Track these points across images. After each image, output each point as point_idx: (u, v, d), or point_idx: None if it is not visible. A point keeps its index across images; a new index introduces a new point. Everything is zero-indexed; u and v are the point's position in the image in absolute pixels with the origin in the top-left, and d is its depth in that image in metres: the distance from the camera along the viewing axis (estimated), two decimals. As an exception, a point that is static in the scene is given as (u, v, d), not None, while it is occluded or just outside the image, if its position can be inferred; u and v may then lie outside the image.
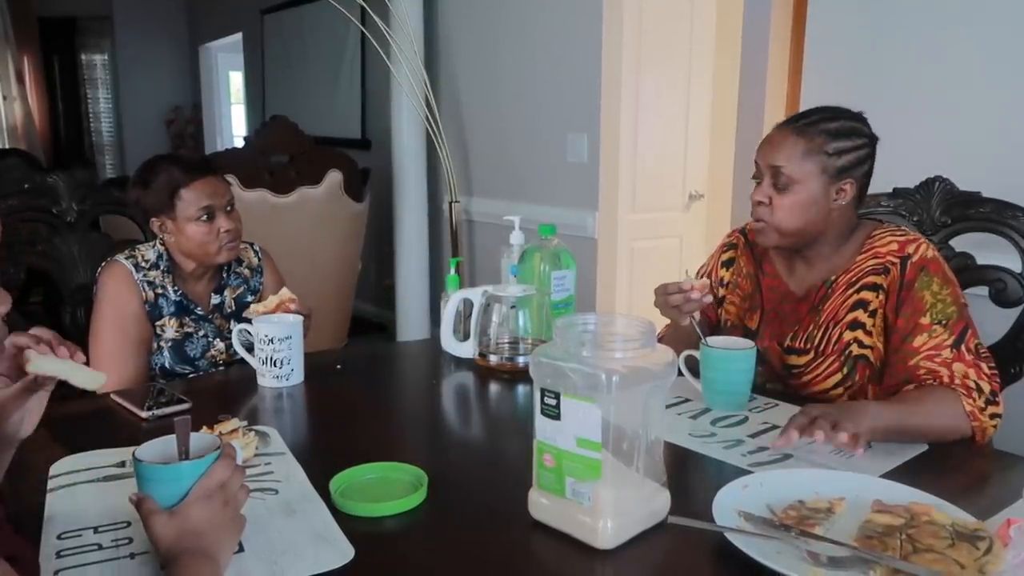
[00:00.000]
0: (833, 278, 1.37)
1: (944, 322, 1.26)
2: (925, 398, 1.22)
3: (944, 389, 1.22)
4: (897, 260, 1.31)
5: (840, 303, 1.35)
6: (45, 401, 0.93)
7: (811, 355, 1.36)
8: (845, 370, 1.34)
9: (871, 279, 1.33)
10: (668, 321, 1.58)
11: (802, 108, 2.42)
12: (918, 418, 1.18)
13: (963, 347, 1.24)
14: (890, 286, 1.31)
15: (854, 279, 1.35)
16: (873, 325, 1.32)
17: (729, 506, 0.91)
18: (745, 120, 3.72)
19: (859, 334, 1.32)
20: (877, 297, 1.32)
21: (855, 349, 1.33)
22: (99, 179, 6.28)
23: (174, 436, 0.85)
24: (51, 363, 0.90)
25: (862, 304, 1.33)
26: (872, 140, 1.34)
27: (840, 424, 1.08)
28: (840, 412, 1.12)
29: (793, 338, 1.39)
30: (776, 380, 1.43)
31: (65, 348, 0.92)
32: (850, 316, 1.34)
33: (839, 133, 1.31)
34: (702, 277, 1.59)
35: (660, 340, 1.57)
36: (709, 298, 1.40)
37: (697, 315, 1.40)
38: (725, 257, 1.56)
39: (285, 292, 1.57)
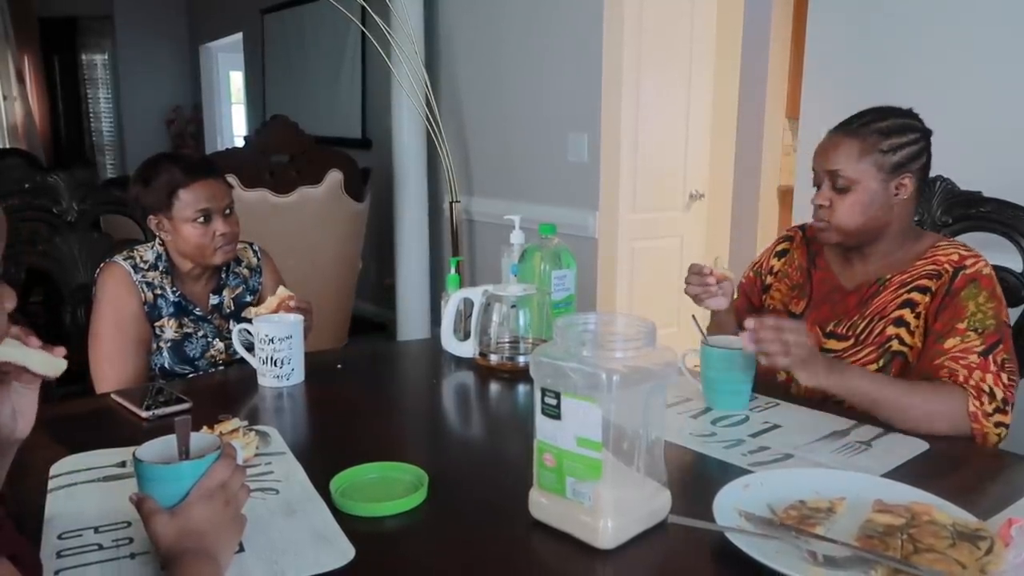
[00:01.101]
0: (888, 276, 1.38)
1: (980, 330, 1.26)
2: (923, 382, 1.25)
3: (952, 385, 1.23)
4: (951, 268, 1.32)
5: (890, 300, 1.36)
6: (35, 400, 0.88)
7: (851, 342, 1.37)
8: (881, 362, 1.34)
9: (923, 282, 1.34)
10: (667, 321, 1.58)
11: (803, 107, 2.45)
12: (897, 391, 1.21)
13: (991, 357, 1.24)
14: (937, 290, 1.32)
15: (908, 280, 1.36)
16: (917, 326, 1.34)
17: (730, 506, 0.91)
18: (745, 120, 3.72)
19: (902, 332, 1.33)
20: (925, 298, 1.33)
21: (895, 345, 1.34)
22: (99, 179, 6.29)
23: (174, 436, 0.85)
24: (3, 348, 0.82)
25: (910, 304, 1.34)
26: (925, 134, 1.37)
27: (788, 350, 1.18)
28: (800, 346, 1.19)
29: (837, 324, 1.40)
30: None
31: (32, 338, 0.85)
32: (897, 313, 1.35)
33: (891, 130, 1.33)
34: (753, 268, 1.62)
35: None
36: (725, 290, 1.44)
37: (725, 302, 1.45)
38: (779, 248, 1.60)
39: (283, 290, 1.57)
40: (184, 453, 0.84)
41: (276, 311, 1.53)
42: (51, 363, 0.85)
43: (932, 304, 1.32)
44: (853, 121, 1.37)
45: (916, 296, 1.34)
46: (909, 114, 1.38)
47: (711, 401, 1.32)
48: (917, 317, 1.34)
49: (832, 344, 1.39)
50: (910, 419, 1.20)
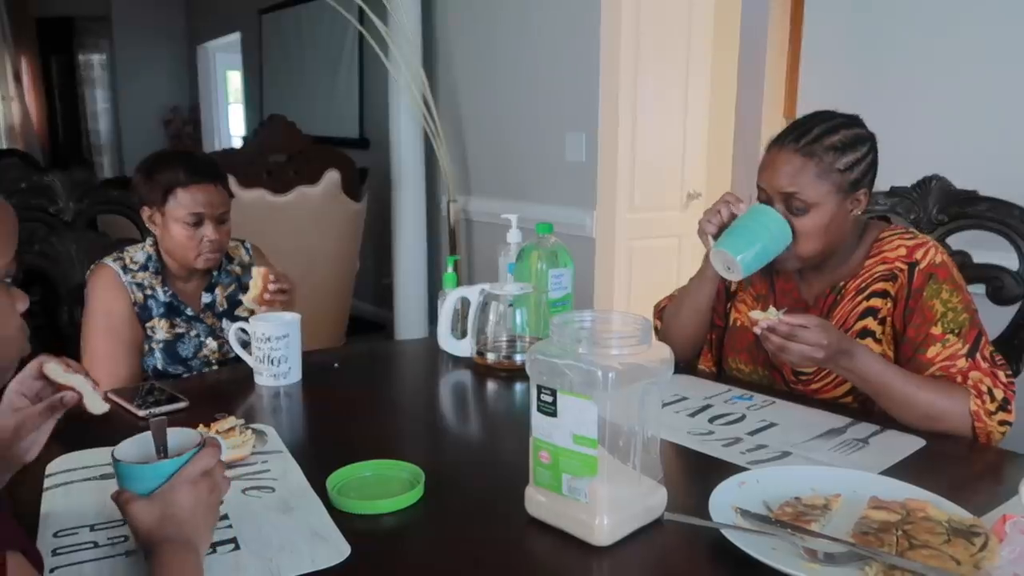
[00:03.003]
0: (842, 284, 1.35)
1: (957, 331, 1.24)
2: (930, 378, 1.23)
3: (957, 385, 1.22)
4: (905, 266, 1.29)
5: (850, 310, 1.33)
6: (50, 430, 0.96)
7: None
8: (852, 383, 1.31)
9: (880, 285, 1.31)
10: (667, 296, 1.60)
11: (800, 107, 2.45)
12: (904, 381, 1.20)
13: (978, 355, 1.23)
14: (898, 293, 1.29)
15: (863, 285, 1.33)
16: (883, 333, 1.31)
17: (725, 503, 0.91)
18: (743, 119, 3.72)
19: (869, 342, 1.30)
20: (886, 304, 1.31)
21: None
22: (97, 179, 6.28)
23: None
24: (67, 375, 0.99)
25: (872, 312, 1.32)
26: (873, 141, 1.31)
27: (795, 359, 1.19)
28: (807, 359, 1.19)
29: None
30: (783, 385, 1.41)
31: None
32: (860, 324, 1.32)
33: (845, 146, 1.26)
34: None
35: (664, 307, 1.59)
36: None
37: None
38: None
39: (257, 269, 1.58)
40: (162, 453, 0.83)
41: (264, 290, 1.54)
42: (100, 404, 1.00)
43: (896, 310, 1.30)
44: (800, 136, 1.27)
45: (876, 302, 1.31)
46: (855, 121, 1.30)
47: (721, 242, 1.29)
48: (882, 323, 1.31)
49: (800, 367, 1.34)
50: (914, 414, 1.20)
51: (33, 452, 0.94)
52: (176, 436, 0.85)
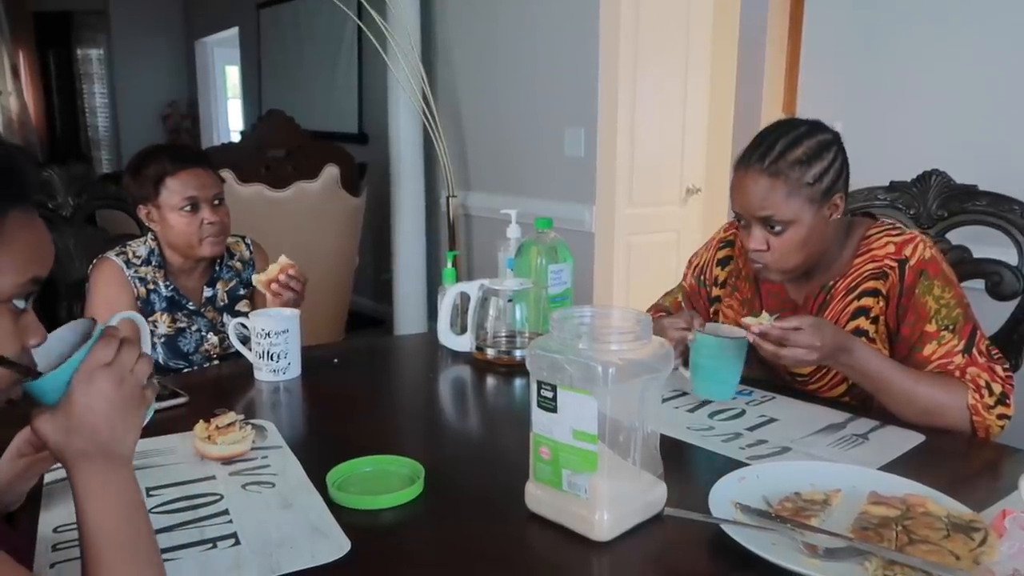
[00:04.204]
0: (831, 283, 1.34)
1: (951, 327, 1.24)
2: (929, 373, 1.23)
3: (955, 379, 1.22)
4: (895, 264, 1.28)
5: (840, 310, 1.32)
6: (33, 482, 0.93)
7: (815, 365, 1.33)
8: (850, 380, 1.31)
9: (870, 284, 1.30)
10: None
11: (799, 102, 2.45)
12: (904, 377, 1.20)
13: (974, 351, 1.23)
14: (889, 292, 1.28)
15: (853, 284, 1.32)
16: (876, 332, 1.31)
17: (725, 498, 0.92)
18: (742, 114, 3.71)
19: (863, 341, 1.29)
20: (877, 303, 1.30)
21: None
22: (95, 174, 6.27)
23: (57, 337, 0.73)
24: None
25: (863, 311, 1.31)
26: (839, 143, 1.28)
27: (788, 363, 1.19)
28: (800, 362, 1.19)
29: None
30: (782, 383, 1.40)
31: None
32: (852, 324, 1.31)
33: (810, 157, 1.24)
34: (695, 275, 1.56)
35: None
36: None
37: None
38: (721, 255, 1.51)
39: (283, 259, 1.58)
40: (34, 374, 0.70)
41: (276, 277, 1.54)
42: None
43: (889, 308, 1.29)
44: (764, 154, 1.25)
45: (867, 301, 1.30)
46: (817, 127, 1.28)
47: (697, 389, 1.30)
48: (874, 322, 1.30)
49: (797, 368, 1.35)
50: (913, 409, 1.20)
51: (13, 504, 0.90)
52: (69, 333, 0.75)
